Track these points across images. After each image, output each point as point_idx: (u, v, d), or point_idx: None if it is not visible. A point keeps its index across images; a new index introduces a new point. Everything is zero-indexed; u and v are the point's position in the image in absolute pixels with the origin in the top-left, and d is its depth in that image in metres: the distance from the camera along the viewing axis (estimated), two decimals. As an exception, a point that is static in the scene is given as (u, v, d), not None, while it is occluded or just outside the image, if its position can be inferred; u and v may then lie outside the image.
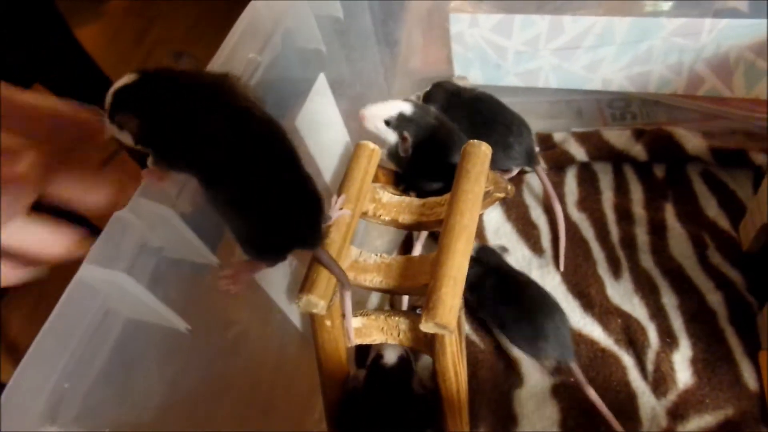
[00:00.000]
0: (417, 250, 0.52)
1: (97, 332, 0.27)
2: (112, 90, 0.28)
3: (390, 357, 0.40)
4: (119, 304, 0.28)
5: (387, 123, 0.46)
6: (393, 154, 0.47)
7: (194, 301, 0.33)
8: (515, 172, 0.53)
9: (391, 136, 0.46)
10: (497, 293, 0.45)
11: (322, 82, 0.45)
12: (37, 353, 0.24)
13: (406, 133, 0.45)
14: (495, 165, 0.44)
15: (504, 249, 0.51)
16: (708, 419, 0.42)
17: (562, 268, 0.50)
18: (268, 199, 0.30)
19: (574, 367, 0.43)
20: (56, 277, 0.28)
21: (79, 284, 0.26)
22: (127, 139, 0.28)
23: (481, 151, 0.44)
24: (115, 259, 0.27)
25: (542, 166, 0.53)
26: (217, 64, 0.34)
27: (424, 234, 0.54)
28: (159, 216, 0.30)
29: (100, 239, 0.28)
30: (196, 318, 0.32)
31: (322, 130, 0.47)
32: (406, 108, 0.46)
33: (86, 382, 0.27)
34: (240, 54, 0.36)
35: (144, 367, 0.32)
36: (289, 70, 0.42)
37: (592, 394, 0.43)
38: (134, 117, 0.28)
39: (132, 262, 0.28)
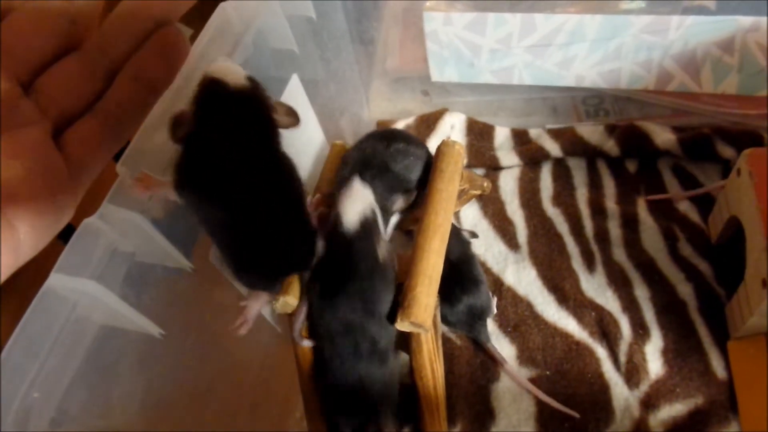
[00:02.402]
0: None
1: (68, 340, 0.27)
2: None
3: (350, 222, 0.37)
4: (90, 311, 0.28)
5: (386, 213, 0.42)
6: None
7: (168, 306, 0.33)
8: None
9: (401, 202, 0.44)
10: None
11: (295, 83, 0.45)
12: (4, 364, 0.24)
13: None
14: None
15: (474, 235, 0.52)
16: (679, 408, 0.43)
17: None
18: (271, 232, 0.32)
19: (491, 347, 0.46)
20: (42, 276, 0.28)
21: (48, 293, 0.26)
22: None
23: (455, 150, 0.45)
24: (85, 268, 0.27)
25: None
26: (186, 69, 0.34)
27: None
28: (129, 222, 0.30)
29: (68, 247, 0.27)
30: (171, 323, 0.32)
31: (296, 130, 0.47)
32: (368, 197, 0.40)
33: (59, 391, 0.27)
34: (210, 56, 0.36)
35: (119, 374, 0.32)
36: (261, 71, 0.42)
37: (511, 371, 0.45)
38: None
39: (102, 269, 0.28)
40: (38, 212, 0.24)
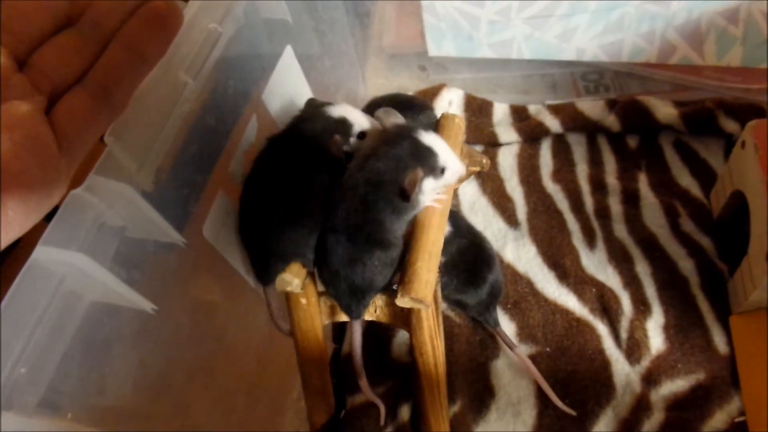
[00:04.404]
0: None
1: (57, 315, 0.26)
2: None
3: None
4: (80, 286, 0.27)
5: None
6: None
7: (161, 282, 0.32)
8: None
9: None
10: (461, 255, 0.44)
11: (289, 55, 0.44)
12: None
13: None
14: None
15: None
16: (680, 383, 0.43)
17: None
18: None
19: (500, 331, 0.45)
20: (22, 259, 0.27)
21: (34, 266, 0.25)
22: None
23: (455, 124, 0.44)
24: (72, 240, 0.26)
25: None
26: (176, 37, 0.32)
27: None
28: (118, 194, 0.28)
29: (55, 219, 0.26)
30: (164, 298, 0.32)
31: (290, 103, 0.45)
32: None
33: (50, 367, 0.26)
34: (200, 25, 0.34)
35: (112, 351, 0.31)
36: (253, 42, 0.40)
37: (521, 355, 0.44)
38: None
39: (90, 242, 0.27)
40: (28, 188, 0.24)
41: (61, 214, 0.27)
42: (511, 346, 0.44)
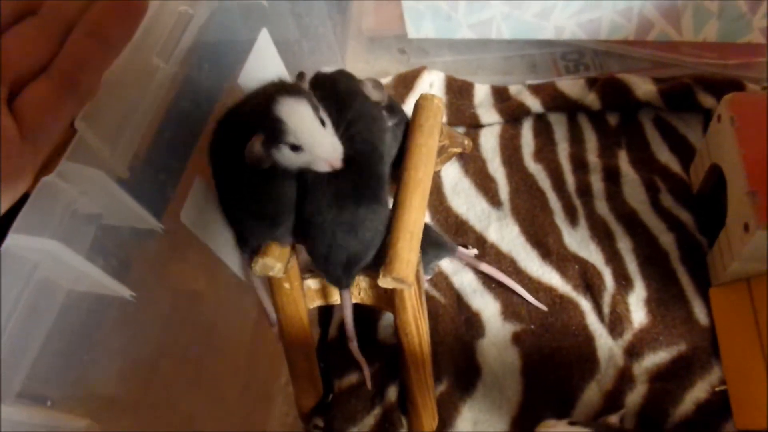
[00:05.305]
0: None
1: (32, 302, 0.26)
2: None
3: None
4: (55, 273, 0.27)
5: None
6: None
7: (139, 268, 0.32)
8: None
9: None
10: None
11: (264, 38, 0.43)
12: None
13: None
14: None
15: None
16: (662, 355, 0.44)
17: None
18: None
19: (461, 250, 0.46)
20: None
21: (5, 254, 0.25)
22: None
23: (433, 104, 0.44)
24: (45, 227, 0.26)
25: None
26: (146, 22, 0.32)
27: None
28: (91, 180, 0.28)
29: (26, 207, 0.26)
30: (142, 285, 0.31)
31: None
32: None
33: (28, 355, 0.26)
34: (170, 7, 0.34)
35: (92, 338, 0.31)
36: (228, 25, 0.40)
37: (488, 267, 0.47)
38: None
39: (64, 229, 0.26)
40: None
41: (33, 202, 0.26)
42: (475, 266, 0.47)
